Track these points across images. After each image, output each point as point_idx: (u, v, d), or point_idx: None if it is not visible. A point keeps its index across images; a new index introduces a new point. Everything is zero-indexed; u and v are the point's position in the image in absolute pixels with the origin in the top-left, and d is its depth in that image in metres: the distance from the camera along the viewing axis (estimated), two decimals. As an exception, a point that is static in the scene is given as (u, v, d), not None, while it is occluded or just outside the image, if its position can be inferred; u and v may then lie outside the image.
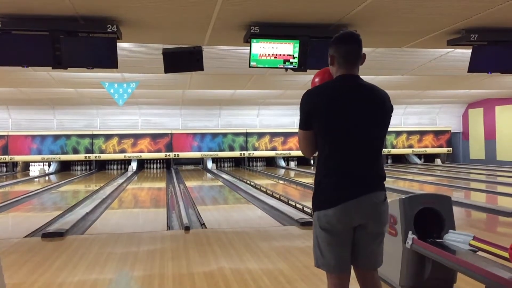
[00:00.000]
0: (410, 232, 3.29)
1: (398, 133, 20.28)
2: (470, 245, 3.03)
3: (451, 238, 3.22)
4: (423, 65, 10.02)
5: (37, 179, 15.64)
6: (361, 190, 2.23)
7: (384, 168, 2.39)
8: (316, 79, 2.48)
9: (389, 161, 21.05)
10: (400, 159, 20.98)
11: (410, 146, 20.40)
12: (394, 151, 20.37)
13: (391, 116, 2.37)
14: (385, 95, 2.34)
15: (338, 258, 2.26)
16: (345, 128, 2.24)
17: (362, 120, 2.25)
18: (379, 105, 2.31)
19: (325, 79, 2.41)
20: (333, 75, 2.38)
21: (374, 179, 2.30)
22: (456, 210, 3.62)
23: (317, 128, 2.28)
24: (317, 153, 2.34)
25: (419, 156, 20.93)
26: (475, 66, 6.70)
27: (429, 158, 20.75)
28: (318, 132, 2.29)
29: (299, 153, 19.46)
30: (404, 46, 7.72)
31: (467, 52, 6.76)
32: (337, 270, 2.26)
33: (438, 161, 20.35)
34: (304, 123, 2.30)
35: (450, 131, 20.41)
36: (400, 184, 12.20)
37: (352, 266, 2.32)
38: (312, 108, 2.26)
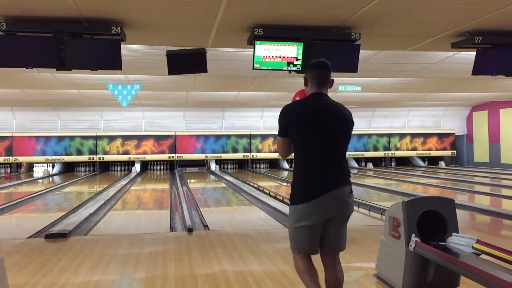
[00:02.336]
0: (413, 235, 3.28)
1: (402, 136, 20.24)
2: (473, 248, 3.01)
3: (455, 241, 3.21)
4: (427, 68, 10.00)
5: (40, 180, 15.68)
6: (330, 186, 2.70)
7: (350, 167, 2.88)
8: (297, 97, 3.27)
9: (393, 163, 21.01)
10: (404, 162, 20.94)
11: (414, 149, 20.35)
12: (398, 153, 20.33)
13: (352, 127, 2.88)
14: (346, 111, 2.86)
15: (310, 243, 2.76)
16: (314, 137, 2.74)
17: (327, 130, 2.75)
18: (341, 118, 2.81)
19: (302, 97, 3.00)
20: (307, 93, 2.92)
21: (340, 177, 2.76)
22: (459, 213, 3.61)
23: (292, 137, 2.80)
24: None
25: (423, 158, 20.87)
26: (479, 68, 6.68)
27: (433, 161, 20.69)
28: (293, 140, 2.81)
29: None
30: (408, 48, 7.71)
31: (471, 54, 6.74)
32: (308, 253, 2.79)
33: (442, 163, 20.29)
34: (282, 132, 2.83)
35: (454, 133, 20.35)
36: (403, 187, 12.17)
37: (319, 250, 2.82)
38: (288, 120, 2.79)
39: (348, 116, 2.84)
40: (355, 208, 8.14)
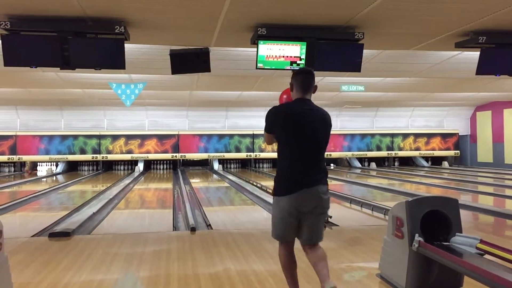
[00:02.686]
0: (416, 235, 3.27)
1: (405, 136, 20.20)
2: (477, 248, 3.01)
3: (458, 241, 3.20)
4: (431, 68, 9.98)
5: (44, 179, 15.73)
6: (308, 183, 3.00)
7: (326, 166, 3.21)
8: (284, 96, 3.67)
9: (396, 163, 20.98)
10: (407, 162, 20.90)
11: (417, 149, 20.31)
12: (401, 153, 20.29)
13: (330, 129, 3.17)
14: (326, 115, 3.15)
15: (286, 231, 3.10)
16: (295, 138, 3.05)
17: (307, 133, 3.04)
18: (321, 122, 3.10)
19: (288, 99, 3.37)
20: (292, 98, 3.23)
21: (316, 175, 3.05)
22: (463, 213, 3.60)
23: (277, 135, 3.14)
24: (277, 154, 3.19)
25: (426, 158, 20.83)
26: (483, 68, 6.66)
27: (436, 161, 20.64)
28: (277, 138, 3.15)
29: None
30: (412, 48, 7.70)
31: (475, 54, 6.72)
32: (284, 240, 3.14)
33: (445, 163, 20.25)
34: (267, 129, 3.19)
35: (458, 133, 20.30)
36: (407, 187, 12.15)
37: (299, 241, 3.12)
38: (274, 121, 3.13)
39: (327, 121, 3.15)
40: (358, 208, 8.15)
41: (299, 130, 3.04)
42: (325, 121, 3.12)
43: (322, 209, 3.06)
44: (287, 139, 3.08)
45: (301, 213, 3.01)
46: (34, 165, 18.58)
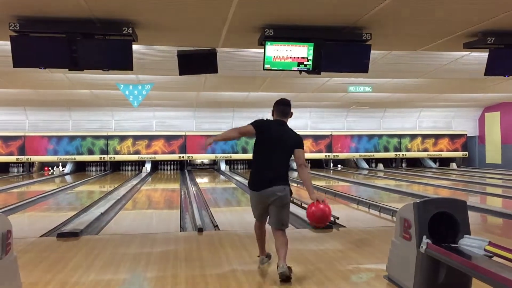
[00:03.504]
0: (424, 237, 3.26)
1: (413, 137, 20.11)
2: (485, 250, 2.99)
3: (466, 243, 3.19)
4: (439, 68, 9.94)
5: (52, 179, 15.82)
6: (269, 184, 3.95)
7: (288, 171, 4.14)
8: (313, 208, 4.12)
9: (404, 164, 20.88)
10: (415, 163, 20.80)
11: (425, 150, 20.21)
12: (409, 154, 20.21)
13: (297, 147, 4.06)
14: (295, 136, 4.13)
15: (256, 214, 4.19)
16: (268, 146, 4.05)
17: (275, 145, 4.03)
18: (288, 137, 4.09)
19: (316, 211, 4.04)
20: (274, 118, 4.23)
21: (276, 177, 3.99)
22: (471, 215, 3.58)
23: (256, 137, 4.09)
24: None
25: (434, 160, 20.72)
26: (491, 69, 6.63)
27: (444, 162, 20.53)
28: (255, 143, 4.11)
29: (312, 155, 19.45)
30: (419, 49, 7.67)
31: (483, 55, 6.68)
32: (257, 220, 4.23)
33: (453, 165, 20.12)
34: (255, 125, 4.08)
35: (466, 135, 20.17)
36: (414, 188, 12.10)
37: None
38: (259, 128, 4.08)
39: (293, 140, 4.08)
40: (366, 209, 8.13)
41: (270, 141, 4.03)
42: (290, 137, 4.08)
43: (281, 202, 3.97)
44: (261, 145, 4.07)
45: (265, 203, 4.00)
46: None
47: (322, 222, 4.22)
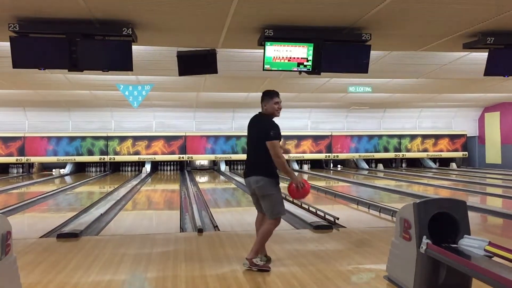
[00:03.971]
0: (424, 237, 3.26)
1: (413, 137, 20.11)
2: (485, 250, 2.99)
3: (466, 243, 3.19)
4: (439, 69, 9.94)
5: (52, 180, 15.81)
6: (246, 174, 4.36)
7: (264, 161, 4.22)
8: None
9: (404, 165, 20.88)
10: (415, 163, 20.79)
11: (425, 150, 20.21)
12: (409, 155, 20.20)
13: (261, 134, 4.20)
14: (259, 125, 4.34)
15: (254, 203, 4.49)
16: (249, 138, 4.42)
17: (248, 136, 4.44)
18: (253, 129, 4.39)
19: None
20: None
21: (251, 168, 4.31)
22: (471, 215, 3.59)
23: None
24: None
25: (434, 160, 20.72)
26: (491, 69, 6.62)
27: (444, 162, 20.53)
28: None
29: (312, 156, 19.46)
30: (419, 49, 7.67)
31: (483, 55, 6.68)
32: (257, 209, 4.51)
33: (453, 165, 20.12)
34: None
35: (466, 135, 20.17)
36: (414, 188, 12.10)
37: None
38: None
39: (257, 130, 4.30)
40: (366, 209, 8.12)
41: (249, 132, 4.42)
42: (256, 131, 4.29)
43: (260, 193, 4.22)
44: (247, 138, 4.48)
45: (251, 193, 4.38)
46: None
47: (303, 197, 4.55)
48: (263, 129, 4.20)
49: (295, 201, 9.14)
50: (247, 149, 4.47)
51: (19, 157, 17.82)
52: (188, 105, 17.39)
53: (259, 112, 4.43)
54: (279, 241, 5.47)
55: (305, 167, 19.80)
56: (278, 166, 4.18)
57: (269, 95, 4.38)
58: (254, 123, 4.38)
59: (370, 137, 19.86)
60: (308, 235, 5.87)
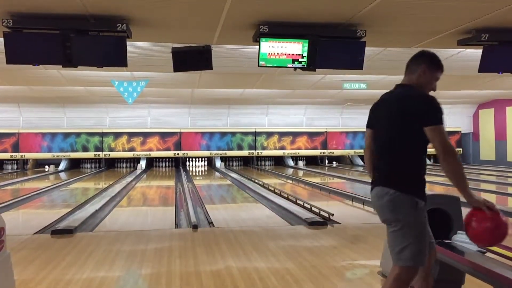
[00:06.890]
0: (418, 233, 3.27)
1: (407, 133, 20.10)
2: (478, 246, 3.01)
3: (460, 239, 3.20)
4: (433, 65, 9.94)
5: (47, 177, 15.76)
6: (373, 183, 2.81)
7: None
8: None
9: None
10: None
11: (419, 146, 20.21)
12: (403, 151, 20.21)
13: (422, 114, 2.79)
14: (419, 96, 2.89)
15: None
16: (377, 126, 2.93)
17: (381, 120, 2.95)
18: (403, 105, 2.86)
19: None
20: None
21: (383, 175, 2.79)
22: (465, 211, 3.60)
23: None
24: None
25: (428, 156, 20.72)
26: (485, 66, 6.64)
27: (438, 159, 20.53)
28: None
29: (307, 152, 19.49)
30: (414, 46, 7.67)
31: (477, 52, 6.70)
32: None
33: (447, 161, 20.14)
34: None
35: (460, 131, 20.24)
36: (409, 185, 12.11)
37: None
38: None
39: (404, 105, 2.85)
40: (360, 206, 8.15)
41: (375, 122, 3.03)
42: (402, 105, 2.82)
43: (383, 216, 2.66)
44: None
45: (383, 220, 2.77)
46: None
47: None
48: (416, 108, 2.73)
49: (289, 197, 9.15)
50: (375, 145, 2.85)
51: (13, 154, 17.75)
52: (183, 102, 17.36)
53: (400, 84, 2.93)
54: (274, 237, 5.49)
55: (300, 164, 19.85)
56: (451, 172, 2.72)
57: (437, 65, 3.02)
58: (391, 100, 2.83)
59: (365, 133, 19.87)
60: (303, 231, 5.88)
